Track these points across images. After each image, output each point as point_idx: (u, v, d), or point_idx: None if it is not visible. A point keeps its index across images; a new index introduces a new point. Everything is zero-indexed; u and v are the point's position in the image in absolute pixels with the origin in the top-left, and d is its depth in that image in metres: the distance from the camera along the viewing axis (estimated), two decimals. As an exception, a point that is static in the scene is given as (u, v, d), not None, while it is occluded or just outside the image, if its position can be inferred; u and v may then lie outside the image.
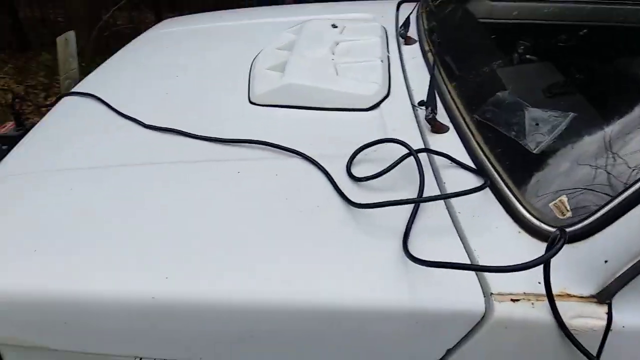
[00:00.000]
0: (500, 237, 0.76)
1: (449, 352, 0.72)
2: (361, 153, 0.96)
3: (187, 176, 0.96)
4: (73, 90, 1.41)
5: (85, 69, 2.15)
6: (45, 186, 0.97)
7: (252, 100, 1.18)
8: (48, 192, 0.95)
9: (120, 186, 0.94)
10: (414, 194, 0.84)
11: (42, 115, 1.40)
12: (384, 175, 0.89)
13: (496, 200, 0.82)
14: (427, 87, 1.05)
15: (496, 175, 0.84)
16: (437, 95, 1.07)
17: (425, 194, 0.83)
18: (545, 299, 0.67)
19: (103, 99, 1.26)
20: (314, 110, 1.13)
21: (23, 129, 1.55)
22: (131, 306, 0.73)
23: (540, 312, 0.68)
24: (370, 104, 1.11)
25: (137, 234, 0.82)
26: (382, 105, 1.12)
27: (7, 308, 0.77)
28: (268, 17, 1.90)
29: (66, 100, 1.36)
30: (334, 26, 1.48)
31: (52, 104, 1.40)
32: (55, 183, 0.98)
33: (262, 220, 0.83)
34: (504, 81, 1.04)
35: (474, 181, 0.86)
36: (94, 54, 4.31)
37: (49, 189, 0.96)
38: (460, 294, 0.70)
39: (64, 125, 1.23)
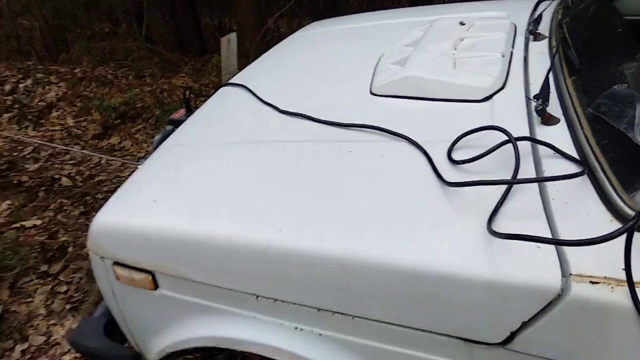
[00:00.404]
0: (589, 224, 0.77)
1: (524, 324, 0.76)
2: (465, 140, 1.02)
3: (310, 152, 1.12)
4: (229, 82, 1.69)
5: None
6: (201, 154, 1.22)
7: (373, 91, 1.30)
8: (204, 159, 1.19)
9: (257, 157, 1.14)
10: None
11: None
12: (483, 161, 0.94)
13: (592, 189, 0.82)
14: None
15: (596, 164, 0.84)
16: (553, 88, 1.07)
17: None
18: (626, 285, 0.67)
19: (250, 88, 1.49)
20: (429, 100, 1.21)
21: (191, 115, 1.89)
22: (255, 252, 0.91)
23: (619, 297, 0.68)
24: (483, 96, 1.15)
25: (266, 193, 1.01)
26: (495, 97, 1.15)
27: (164, 244, 1.01)
28: (407, 17, 2.00)
29: (223, 90, 1.63)
30: (462, 23, 1.53)
31: (212, 94, 1.69)
32: (207, 152, 1.22)
33: (363, 192, 0.95)
34: (629, 79, 1.00)
35: (573, 171, 0.87)
36: (257, 55, 4.86)
37: (204, 156, 1.21)
38: (538, 270, 0.73)
39: (219, 109, 1.49)
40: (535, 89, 1.14)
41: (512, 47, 1.37)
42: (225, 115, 1.43)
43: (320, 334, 0.93)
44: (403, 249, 0.81)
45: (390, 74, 1.31)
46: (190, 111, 1.94)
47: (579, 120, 0.96)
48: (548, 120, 1.01)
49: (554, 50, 1.22)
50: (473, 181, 0.87)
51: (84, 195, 3.17)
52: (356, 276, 0.84)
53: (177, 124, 1.83)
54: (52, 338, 2.11)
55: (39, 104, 4.87)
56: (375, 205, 0.91)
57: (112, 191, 3.23)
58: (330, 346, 0.92)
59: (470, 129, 1.03)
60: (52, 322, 2.17)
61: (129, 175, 1.38)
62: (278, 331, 0.96)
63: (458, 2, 2.35)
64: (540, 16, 1.48)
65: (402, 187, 0.94)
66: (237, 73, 2.26)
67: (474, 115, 1.12)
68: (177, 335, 1.09)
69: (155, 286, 1.07)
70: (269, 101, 1.39)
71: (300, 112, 1.28)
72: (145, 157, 1.64)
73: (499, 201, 0.84)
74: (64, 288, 2.33)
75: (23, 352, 2.06)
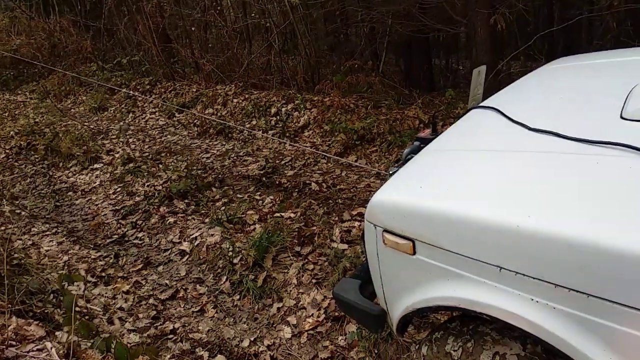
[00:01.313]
0: None
1: None
2: None
3: (557, 160, 1.30)
4: (479, 105, 1.95)
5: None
6: (456, 157, 1.52)
7: (624, 116, 1.41)
8: (458, 160, 1.48)
9: (505, 161, 1.38)
10: None
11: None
12: None
13: None
14: None
15: None
16: None
17: None
18: None
19: (501, 110, 1.73)
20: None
21: (435, 134, 2.20)
22: (506, 231, 1.14)
23: None
24: None
25: (514, 187, 1.24)
26: None
27: (427, 218, 1.31)
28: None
29: (473, 112, 1.91)
30: None
31: (462, 115, 1.97)
32: (461, 156, 1.51)
33: (609, 192, 1.10)
34: None
35: None
36: (489, 94, 5.07)
37: (458, 159, 1.50)
38: None
39: (469, 126, 1.77)
40: None
41: None
42: (475, 130, 1.70)
43: (554, 307, 1.10)
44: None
45: (643, 102, 1.40)
46: (435, 131, 2.27)
47: None
48: None
49: None
50: None
51: (327, 199, 3.80)
52: (599, 259, 1.00)
53: (423, 141, 2.17)
54: (300, 303, 2.65)
55: (295, 124, 5.92)
56: (619, 202, 1.05)
57: (350, 198, 3.77)
58: (564, 319, 1.08)
59: None
60: (301, 291, 2.72)
61: (384, 180, 1.76)
62: (516, 300, 1.16)
63: None
64: None
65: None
66: (481, 101, 2.52)
67: None
68: (426, 294, 1.38)
69: (414, 252, 1.38)
70: (519, 120, 1.61)
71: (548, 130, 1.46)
72: (395, 166, 2.01)
73: None
74: (311, 267, 2.88)
75: (278, 309, 2.64)
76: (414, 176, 1.52)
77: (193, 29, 8.32)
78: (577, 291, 1.05)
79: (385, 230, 1.45)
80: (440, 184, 1.39)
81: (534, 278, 1.12)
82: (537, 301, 1.13)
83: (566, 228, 1.06)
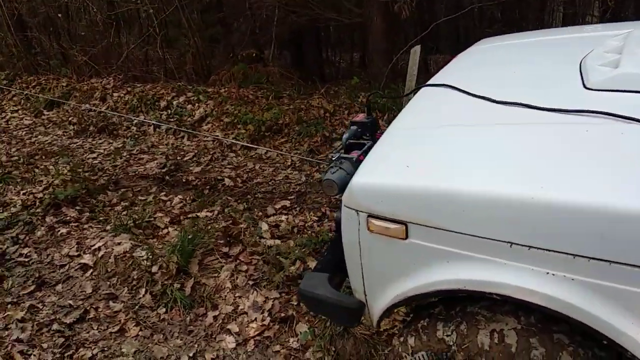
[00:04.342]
0: None
1: None
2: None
3: (549, 131, 1.28)
4: (427, 83, 1.91)
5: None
6: (430, 135, 1.44)
7: (588, 86, 1.44)
8: (433, 138, 1.41)
9: (483, 135, 1.33)
10: None
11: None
12: None
13: None
14: None
15: None
16: None
17: None
18: None
19: (458, 86, 1.69)
20: (649, 93, 1.32)
21: (371, 117, 2.12)
22: (518, 204, 1.08)
23: None
24: None
25: (496, 160, 1.19)
26: None
27: (422, 199, 1.21)
28: (582, 32, 2.13)
29: (423, 91, 1.85)
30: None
31: (413, 93, 1.92)
32: (435, 134, 1.43)
33: (611, 159, 1.09)
34: None
35: None
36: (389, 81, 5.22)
37: (434, 136, 1.42)
38: None
39: (429, 104, 1.71)
40: None
41: None
42: (438, 107, 1.64)
43: (572, 279, 1.06)
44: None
45: (604, 73, 1.44)
46: (370, 114, 2.19)
47: None
48: None
49: None
50: None
51: (246, 194, 3.57)
52: (619, 224, 0.98)
53: (360, 125, 2.08)
54: (239, 308, 2.41)
55: (191, 117, 5.52)
56: (629, 168, 1.05)
57: (270, 191, 3.59)
58: (584, 290, 1.05)
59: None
60: (237, 295, 2.48)
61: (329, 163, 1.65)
62: (530, 275, 1.11)
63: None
64: None
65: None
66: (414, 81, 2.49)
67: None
68: (422, 279, 1.28)
69: (407, 236, 1.27)
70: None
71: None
72: (336, 152, 1.89)
73: None
74: (245, 267, 2.65)
75: (215, 318, 2.38)
76: (392, 156, 1.41)
77: (59, 15, 7.35)
78: (598, 259, 1.02)
79: (371, 215, 1.32)
80: (428, 162, 1.30)
81: (550, 250, 1.07)
82: (554, 274, 1.08)
83: (584, 196, 1.02)
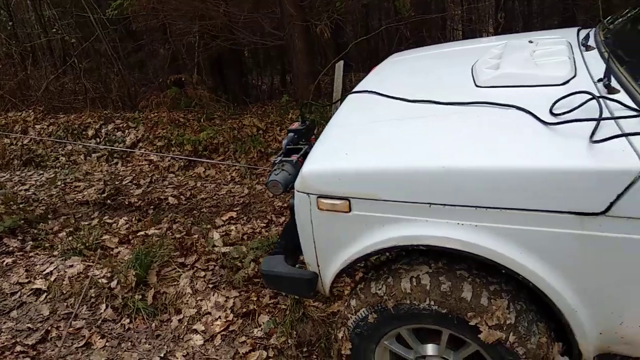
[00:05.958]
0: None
1: (619, 196, 1.25)
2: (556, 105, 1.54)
3: (452, 119, 1.65)
4: (353, 91, 2.26)
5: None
6: (361, 129, 1.77)
7: (478, 84, 1.85)
8: (366, 131, 1.74)
9: (402, 126, 1.69)
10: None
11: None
12: (573, 114, 1.46)
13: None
14: (603, 72, 1.59)
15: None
16: (613, 70, 1.60)
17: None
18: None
19: (379, 91, 2.05)
20: (524, 87, 1.74)
21: (305, 125, 2.43)
22: (433, 173, 1.42)
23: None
24: (563, 81, 1.68)
25: (414, 143, 1.54)
26: (571, 81, 1.68)
27: (363, 177, 1.53)
28: (474, 44, 2.60)
29: (350, 97, 2.20)
30: (530, 42, 2.09)
31: (341, 101, 2.25)
32: (365, 128, 1.77)
33: (496, 135, 1.47)
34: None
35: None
36: (315, 99, 5.59)
37: (365, 130, 1.76)
38: (627, 161, 1.23)
39: (357, 107, 2.05)
40: (597, 77, 1.68)
41: (572, 54, 1.92)
42: (365, 108, 1.99)
43: (476, 225, 1.42)
44: (529, 158, 1.33)
45: (489, 74, 1.86)
46: (304, 122, 2.51)
47: (633, 87, 1.49)
48: (612, 90, 1.54)
49: (607, 50, 1.77)
50: (568, 120, 1.39)
51: (191, 209, 3.73)
52: (504, 179, 1.35)
53: (295, 132, 2.38)
54: (202, 309, 2.59)
55: (122, 144, 5.56)
56: (507, 137, 1.43)
57: (215, 205, 3.77)
58: (485, 233, 1.41)
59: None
60: (199, 298, 2.66)
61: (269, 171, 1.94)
62: (446, 227, 1.45)
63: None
64: (587, 35, 2.05)
65: (523, 129, 1.46)
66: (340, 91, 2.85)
67: (559, 94, 1.64)
68: (364, 242, 1.59)
69: (350, 209, 1.58)
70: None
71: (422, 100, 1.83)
72: (277, 156, 2.18)
73: (596, 125, 1.35)
74: (203, 274, 2.83)
75: (180, 321, 2.55)
76: (332, 148, 1.72)
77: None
78: (492, 207, 1.39)
79: (320, 196, 1.62)
80: (363, 149, 1.63)
81: (458, 206, 1.43)
82: (462, 224, 1.44)
83: (475, 161, 1.39)
